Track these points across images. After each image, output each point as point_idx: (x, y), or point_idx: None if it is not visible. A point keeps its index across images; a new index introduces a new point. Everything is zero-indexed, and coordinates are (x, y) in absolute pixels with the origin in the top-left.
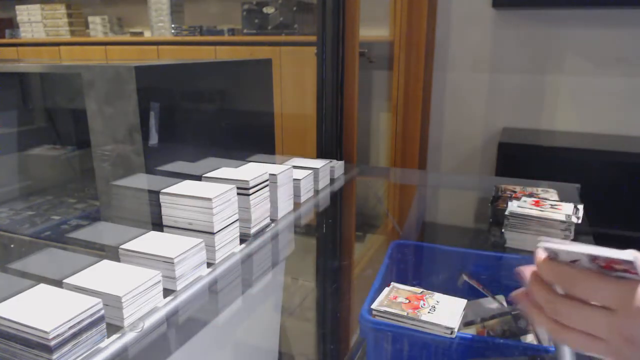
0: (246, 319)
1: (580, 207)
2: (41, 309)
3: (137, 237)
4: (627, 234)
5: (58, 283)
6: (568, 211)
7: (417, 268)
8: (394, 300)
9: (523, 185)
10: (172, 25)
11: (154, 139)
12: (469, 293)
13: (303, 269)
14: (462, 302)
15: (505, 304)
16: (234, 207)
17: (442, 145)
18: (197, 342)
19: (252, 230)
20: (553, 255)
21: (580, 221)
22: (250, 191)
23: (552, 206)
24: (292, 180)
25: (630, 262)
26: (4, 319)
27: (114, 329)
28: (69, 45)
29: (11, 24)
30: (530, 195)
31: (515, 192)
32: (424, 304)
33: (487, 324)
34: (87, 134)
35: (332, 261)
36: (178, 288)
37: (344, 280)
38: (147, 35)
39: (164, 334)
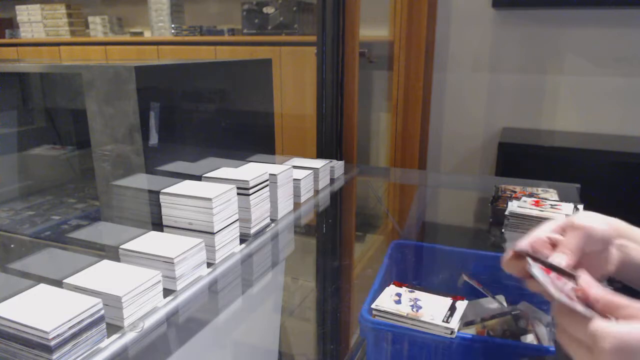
0: (246, 319)
1: (580, 207)
2: (41, 309)
3: (137, 237)
4: None
5: (58, 283)
6: (568, 211)
7: (417, 268)
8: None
9: (523, 185)
10: (172, 25)
11: (154, 139)
12: (469, 293)
13: (303, 269)
14: (462, 302)
15: (505, 304)
16: (234, 207)
17: (442, 145)
18: (197, 342)
19: (252, 230)
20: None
21: None
22: (250, 191)
23: (552, 206)
24: (292, 180)
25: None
26: (4, 319)
27: (114, 329)
28: (69, 45)
29: (11, 24)
30: (530, 195)
31: (515, 192)
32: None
33: (487, 324)
34: (87, 134)
35: (332, 261)
36: (178, 288)
37: (344, 280)
38: (147, 35)
39: (164, 334)
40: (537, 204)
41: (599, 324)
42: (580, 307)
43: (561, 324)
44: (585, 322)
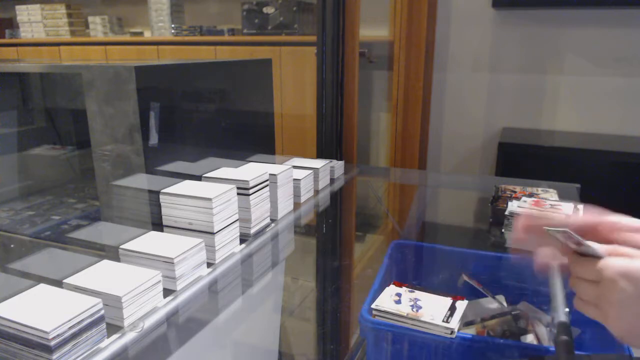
0: (246, 319)
1: (580, 207)
2: (41, 309)
3: (137, 237)
4: None
5: (58, 283)
6: (568, 211)
7: (417, 268)
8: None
9: (523, 185)
10: (172, 25)
11: (154, 139)
12: (469, 293)
13: (303, 269)
14: (462, 302)
15: (505, 304)
16: (234, 207)
17: (442, 145)
18: (197, 342)
19: (252, 230)
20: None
21: None
22: (250, 191)
23: (552, 206)
24: (292, 180)
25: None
26: (4, 319)
27: (114, 329)
28: (69, 45)
29: (11, 24)
30: (530, 195)
31: (515, 192)
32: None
33: (487, 324)
34: (87, 134)
35: (332, 261)
36: (178, 288)
37: (344, 280)
38: (147, 35)
39: (164, 334)
40: (537, 204)
41: (605, 260)
42: (593, 246)
43: (574, 271)
44: (595, 263)
